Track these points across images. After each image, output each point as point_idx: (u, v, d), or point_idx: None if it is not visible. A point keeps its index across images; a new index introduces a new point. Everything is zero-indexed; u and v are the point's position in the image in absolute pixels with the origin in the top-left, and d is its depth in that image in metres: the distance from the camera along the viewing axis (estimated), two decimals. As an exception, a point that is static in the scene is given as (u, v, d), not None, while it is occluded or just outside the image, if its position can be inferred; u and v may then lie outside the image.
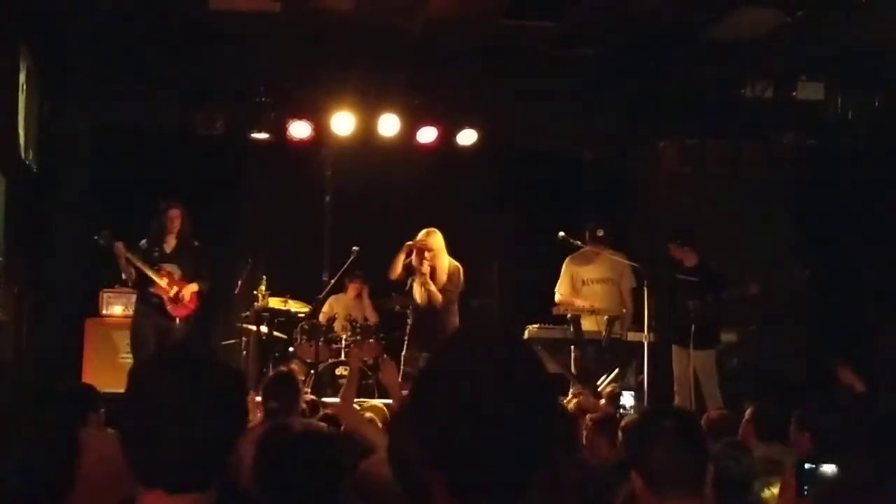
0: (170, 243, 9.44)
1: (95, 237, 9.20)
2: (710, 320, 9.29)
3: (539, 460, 1.76)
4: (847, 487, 2.29)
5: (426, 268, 9.41)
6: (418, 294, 9.48)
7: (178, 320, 9.36)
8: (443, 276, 9.46)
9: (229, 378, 2.19)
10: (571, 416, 6.00)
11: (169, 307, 9.34)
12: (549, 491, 1.82)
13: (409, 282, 9.55)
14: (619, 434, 5.45)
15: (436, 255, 9.43)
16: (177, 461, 2.08)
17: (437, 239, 9.45)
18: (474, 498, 1.74)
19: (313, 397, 7.62)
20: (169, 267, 9.37)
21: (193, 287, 9.43)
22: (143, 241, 9.38)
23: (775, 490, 4.23)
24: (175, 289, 9.35)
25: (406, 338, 9.64)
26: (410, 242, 9.43)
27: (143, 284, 9.39)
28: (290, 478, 3.36)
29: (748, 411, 5.99)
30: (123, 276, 9.40)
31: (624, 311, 10.00)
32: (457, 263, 9.54)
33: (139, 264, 9.22)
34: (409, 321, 9.66)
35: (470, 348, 1.80)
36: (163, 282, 9.31)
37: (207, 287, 9.56)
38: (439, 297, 9.41)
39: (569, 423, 5.69)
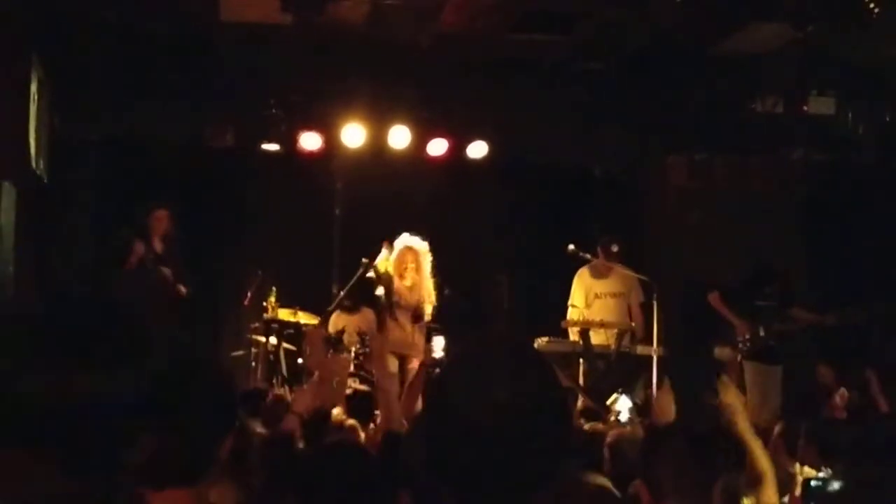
0: (157, 246, 9.45)
1: (119, 231, 9.21)
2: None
3: (549, 475, 1.76)
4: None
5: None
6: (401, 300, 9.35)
7: None
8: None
9: (215, 376, 2.21)
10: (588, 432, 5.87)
11: None
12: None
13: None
14: (605, 451, 5.22)
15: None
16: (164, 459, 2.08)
17: None
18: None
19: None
20: (164, 270, 9.41)
21: (181, 291, 9.58)
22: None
23: None
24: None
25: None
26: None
27: None
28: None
29: (777, 427, 5.96)
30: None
31: (633, 325, 10.02)
32: None
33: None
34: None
35: (482, 364, 1.80)
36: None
37: (189, 292, 9.69)
38: (427, 312, 9.42)
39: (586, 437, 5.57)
